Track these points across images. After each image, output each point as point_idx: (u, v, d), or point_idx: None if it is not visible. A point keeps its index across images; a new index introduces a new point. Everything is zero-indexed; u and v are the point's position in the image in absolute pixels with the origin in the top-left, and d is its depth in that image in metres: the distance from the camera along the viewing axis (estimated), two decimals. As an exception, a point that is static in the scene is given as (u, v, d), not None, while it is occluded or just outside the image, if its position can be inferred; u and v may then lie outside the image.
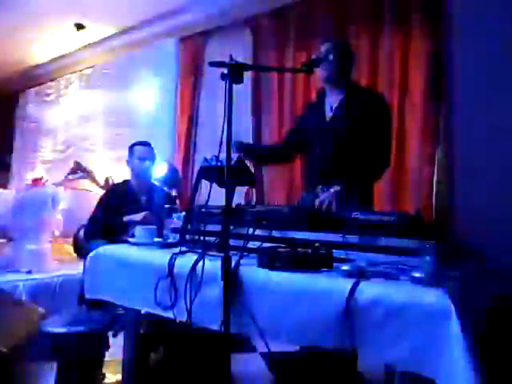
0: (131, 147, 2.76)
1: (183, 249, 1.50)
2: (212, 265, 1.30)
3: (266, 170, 3.28)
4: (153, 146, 2.79)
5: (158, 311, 1.44)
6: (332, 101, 2.01)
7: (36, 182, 3.74)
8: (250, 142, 3.13)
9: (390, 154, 1.99)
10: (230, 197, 1.30)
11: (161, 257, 1.48)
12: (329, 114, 2.00)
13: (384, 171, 2.00)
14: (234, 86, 1.28)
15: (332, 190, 1.71)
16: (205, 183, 1.72)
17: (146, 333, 1.96)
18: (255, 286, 1.24)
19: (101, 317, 1.90)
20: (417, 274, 1.08)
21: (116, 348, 1.92)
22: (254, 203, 1.97)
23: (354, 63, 2.09)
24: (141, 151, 2.70)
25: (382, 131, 1.92)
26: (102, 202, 2.71)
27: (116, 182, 3.00)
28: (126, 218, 2.47)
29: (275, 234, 1.41)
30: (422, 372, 0.99)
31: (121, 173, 4.14)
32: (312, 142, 2.06)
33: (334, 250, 1.26)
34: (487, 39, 2.34)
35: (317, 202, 1.67)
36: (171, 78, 3.99)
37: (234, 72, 1.27)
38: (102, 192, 4.10)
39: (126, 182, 2.80)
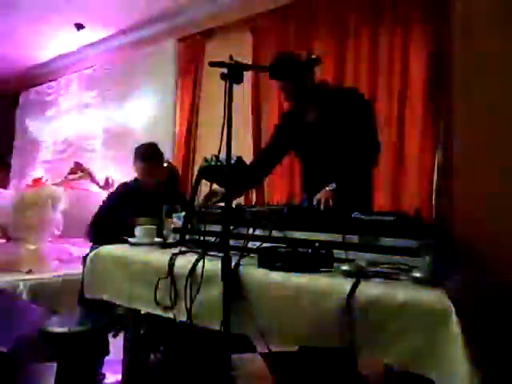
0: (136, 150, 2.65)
1: (183, 249, 1.51)
2: (212, 265, 1.30)
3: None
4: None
5: (158, 311, 1.45)
6: (308, 111, 1.99)
7: (36, 181, 3.74)
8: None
9: (377, 139, 1.91)
10: (229, 197, 1.30)
11: (161, 257, 1.49)
12: (308, 124, 1.99)
13: (376, 157, 1.91)
14: (234, 85, 1.28)
15: (327, 188, 1.70)
16: (205, 183, 1.72)
17: (146, 333, 1.95)
18: (255, 285, 1.24)
19: (101, 317, 1.90)
20: (417, 274, 1.08)
21: (116, 348, 1.92)
22: (254, 203, 1.96)
23: (309, 68, 1.90)
24: (142, 154, 2.60)
25: (363, 122, 1.87)
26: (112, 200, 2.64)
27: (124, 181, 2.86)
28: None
29: (275, 233, 1.41)
30: (421, 372, 0.99)
31: (121, 172, 4.15)
32: (300, 153, 2.07)
33: (333, 250, 1.26)
34: (488, 39, 2.35)
35: (314, 202, 1.66)
36: (171, 78, 3.99)
37: (233, 72, 1.27)
38: (101, 192, 4.11)
39: (135, 180, 2.70)
